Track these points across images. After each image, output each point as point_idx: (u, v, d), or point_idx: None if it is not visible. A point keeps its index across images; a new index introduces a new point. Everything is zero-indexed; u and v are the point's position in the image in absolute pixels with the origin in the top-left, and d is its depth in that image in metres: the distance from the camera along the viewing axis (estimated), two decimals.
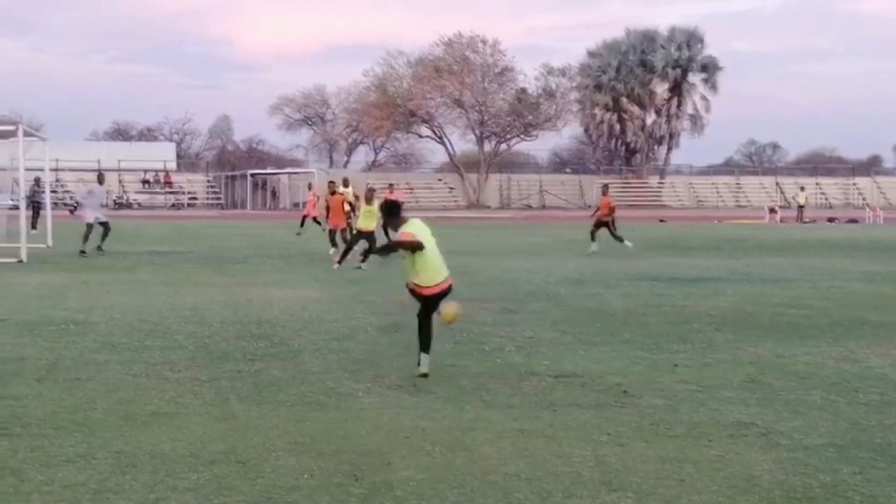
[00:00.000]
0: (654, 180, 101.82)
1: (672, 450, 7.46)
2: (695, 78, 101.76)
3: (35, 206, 38.27)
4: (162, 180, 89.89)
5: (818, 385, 9.88)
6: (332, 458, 7.20)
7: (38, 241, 29.08)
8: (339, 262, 22.87)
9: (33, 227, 35.24)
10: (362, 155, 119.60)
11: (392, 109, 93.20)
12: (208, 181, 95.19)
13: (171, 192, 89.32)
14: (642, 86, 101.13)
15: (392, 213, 10.71)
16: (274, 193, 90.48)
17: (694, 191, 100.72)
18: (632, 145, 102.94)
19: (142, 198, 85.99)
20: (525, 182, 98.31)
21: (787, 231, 48.12)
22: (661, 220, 61.66)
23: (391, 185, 33.29)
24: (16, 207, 28.76)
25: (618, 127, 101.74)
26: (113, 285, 19.01)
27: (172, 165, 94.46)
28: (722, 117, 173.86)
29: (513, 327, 13.65)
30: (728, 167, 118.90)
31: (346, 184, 31.90)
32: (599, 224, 30.38)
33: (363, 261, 22.52)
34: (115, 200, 79.31)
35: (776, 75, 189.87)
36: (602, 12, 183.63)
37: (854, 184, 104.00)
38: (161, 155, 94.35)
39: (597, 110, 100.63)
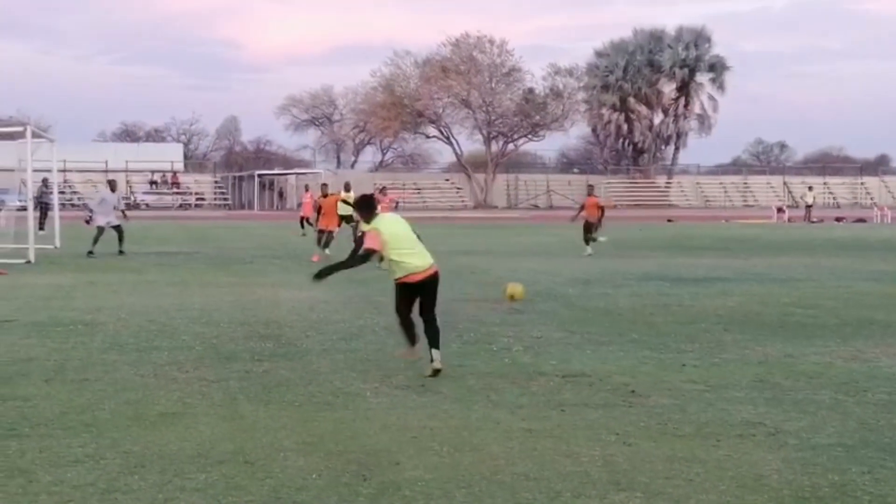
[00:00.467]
0: (661, 180, 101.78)
1: (680, 449, 7.45)
2: (702, 77, 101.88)
3: (43, 207, 38.34)
4: (169, 181, 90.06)
5: (827, 385, 9.86)
6: (341, 457, 7.20)
7: (46, 242, 29.12)
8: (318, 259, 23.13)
9: (41, 228, 35.31)
10: (369, 155, 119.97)
11: (399, 110, 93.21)
12: (216, 182, 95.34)
13: (178, 193, 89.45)
14: (650, 86, 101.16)
15: (363, 207, 10.74)
16: (281, 194, 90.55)
17: (701, 190, 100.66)
18: (639, 145, 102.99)
19: (149, 198, 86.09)
20: (532, 182, 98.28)
21: (795, 231, 48.04)
22: (669, 220, 61.59)
23: (383, 187, 32.87)
24: (24, 208, 28.78)
25: (625, 127, 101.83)
26: (121, 286, 19.04)
27: (180, 166, 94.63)
28: (729, 117, 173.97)
29: (521, 327, 13.65)
30: (736, 167, 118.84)
31: (347, 188, 31.87)
32: (589, 226, 29.72)
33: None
34: (122, 199, 79.34)
35: (784, 75, 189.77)
36: (609, 12, 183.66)
37: (862, 183, 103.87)
38: (169, 156, 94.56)
39: (604, 110, 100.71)
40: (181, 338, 12.61)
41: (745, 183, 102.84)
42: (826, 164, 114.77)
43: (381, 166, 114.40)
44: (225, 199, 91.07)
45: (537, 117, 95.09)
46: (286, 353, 11.54)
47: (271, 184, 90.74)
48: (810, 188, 69.67)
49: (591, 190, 31.97)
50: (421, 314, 10.47)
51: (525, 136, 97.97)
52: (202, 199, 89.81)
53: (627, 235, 41.19)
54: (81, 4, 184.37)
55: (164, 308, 15.52)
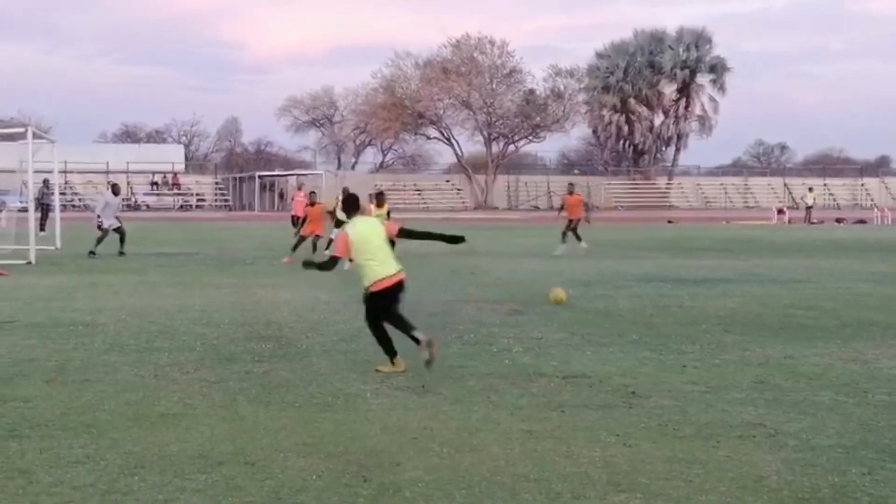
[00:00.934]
0: (662, 181, 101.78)
1: (680, 450, 7.46)
2: (703, 79, 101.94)
3: (44, 208, 38.37)
4: (170, 182, 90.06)
5: (827, 386, 9.87)
6: (341, 458, 7.21)
7: (47, 243, 29.12)
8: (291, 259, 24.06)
9: (42, 229, 35.34)
10: (370, 156, 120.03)
11: (400, 111, 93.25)
12: (216, 183, 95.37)
13: (179, 194, 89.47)
14: (650, 87, 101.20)
15: (347, 206, 11.31)
16: (282, 195, 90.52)
17: (702, 192, 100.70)
18: (640, 146, 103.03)
19: (150, 200, 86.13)
20: (533, 183, 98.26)
21: (796, 232, 48.05)
22: (670, 221, 61.64)
23: (380, 192, 32.34)
24: (25, 209, 28.79)
25: (626, 128, 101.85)
26: (121, 287, 19.05)
27: (181, 167, 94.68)
28: (730, 118, 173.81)
29: (521, 328, 13.65)
30: (736, 168, 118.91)
31: (345, 193, 31.73)
32: (570, 223, 29.93)
33: None
34: (123, 200, 79.41)
35: (784, 76, 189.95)
36: (610, 13, 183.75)
37: (862, 184, 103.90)
38: (169, 157, 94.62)
39: (605, 111, 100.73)
40: (182, 339, 12.62)
41: (746, 184, 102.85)
42: (826, 165, 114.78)
43: (381, 167, 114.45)
44: (226, 201, 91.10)
45: (538, 118, 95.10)
46: (286, 354, 11.54)
47: (272, 185, 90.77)
48: (811, 189, 69.71)
49: (571, 188, 31.99)
50: (385, 320, 10.63)
51: (526, 137, 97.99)
52: (203, 200, 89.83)
53: (628, 236, 41.22)
54: (83, 4, 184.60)
55: (165, 309, 15.53)
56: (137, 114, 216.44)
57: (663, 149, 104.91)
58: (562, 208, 30.73)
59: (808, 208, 63.50)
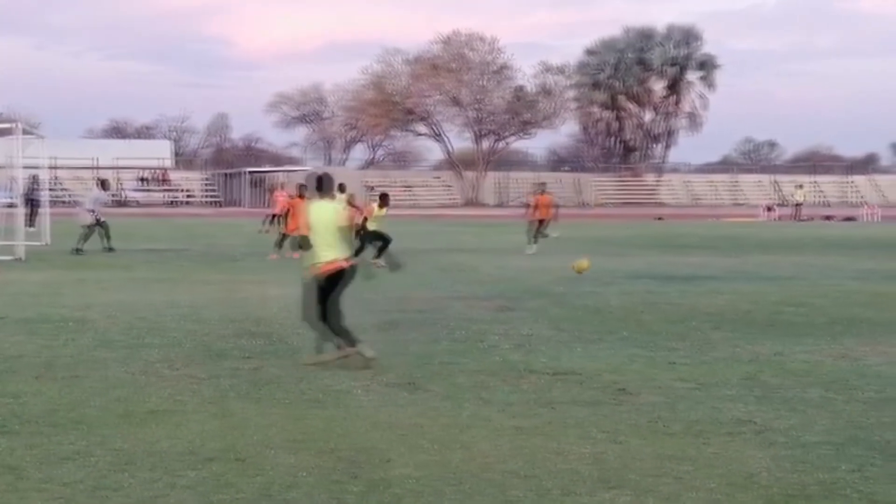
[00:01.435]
0: (651, 178, 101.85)
1: (670, 447, 7.47)
2: (692, 76, 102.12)
3: (32, 203, 38.27)
4: (159, 178, 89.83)
5: (816, 383, 9.89)
6: (330, 455, 7.20)
7: (36, 239, 29.05)
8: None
9: (31, 224, 35.23)
10: (359, 153, 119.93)
11: (389, 107, 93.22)
12: (205, 179, 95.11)
13: (168, 190, 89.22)
14: (640, 84, 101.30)
15: (323, 187, 11.13)
16: (272, 191, 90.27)
17: (691, 188, 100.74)
18: (629, 143, 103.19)
19: (139, 195, 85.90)
20: (522, 180, 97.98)
21: (784, 229, 48.15)
22: (659, 218, 61.66)
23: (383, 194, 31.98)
24: (13, 205, 28.71)
25: (615, 125, 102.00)
26: (110, 283, 19.01)
27: (169, 163, 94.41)
28: (719, 115, 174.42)
29: (510, 325, 13.66)
30: (725, 165, 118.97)
31: (342, 189, 31.76)
32: (540, 222, 29.46)
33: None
34: (112, 196, 79.30)
35: (774, 73, 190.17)
36: (600, 10, 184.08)
37: (851, 182, 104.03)
38: (158, 153, 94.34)
39: (594, 108, 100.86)
40: (171, 335, 12.60)
41: (735, 181, 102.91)
42: (815, 162, 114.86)
43: (371, 164, 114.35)
44: (214, 197, 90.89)
45: (527, 115, 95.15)
46: (276, 351, 11.53)
47: (261, 181, 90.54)
48: (799, 186, 69.76)
49: (542, 188, 31.89)
50: (322, 317, 10.68)
51: (515, 133, 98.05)
52: (191, 196, 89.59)
53: (617, 233, 41.28)
54: (74, 0, 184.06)
55: (154, 305, 15.50)
56: (126, 109, 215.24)
57: (652, 146, 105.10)
58: (535, 207, 30.35)
59: (797, 205, 63.59)
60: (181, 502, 6.23)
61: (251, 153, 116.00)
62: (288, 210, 27.13)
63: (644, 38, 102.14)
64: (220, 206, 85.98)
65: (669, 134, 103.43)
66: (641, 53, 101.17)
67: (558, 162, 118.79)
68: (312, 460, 7.07)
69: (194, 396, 9.12)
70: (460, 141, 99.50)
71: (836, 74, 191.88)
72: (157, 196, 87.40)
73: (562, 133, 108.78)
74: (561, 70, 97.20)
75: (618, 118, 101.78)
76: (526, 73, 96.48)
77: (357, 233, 23.61)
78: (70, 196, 70.37)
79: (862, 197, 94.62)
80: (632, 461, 7.11)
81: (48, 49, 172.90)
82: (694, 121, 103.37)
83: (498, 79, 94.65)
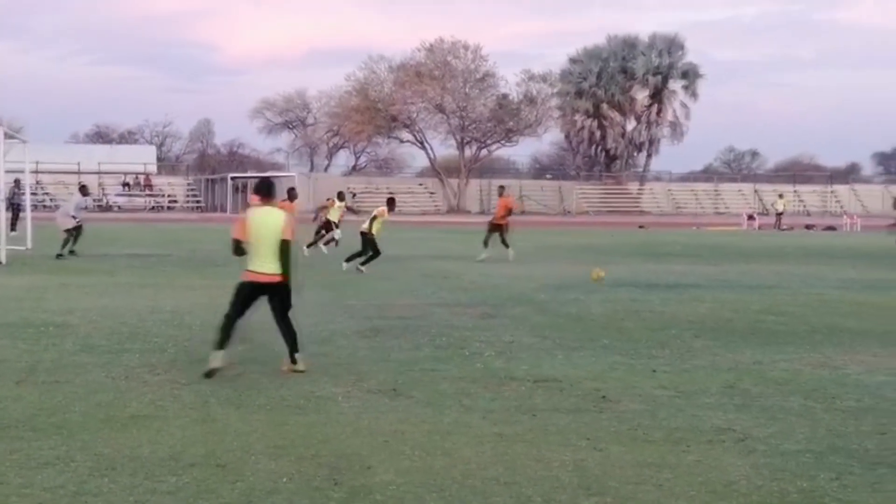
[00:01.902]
0: (633, 186, 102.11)
1: (650, 455, 7.50)
2: (675, 85, 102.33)
3: (15, 208, 38.15)
4: (142, 183, 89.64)
5: (796, 391, 9.93)
6: (312, 461, 7.21)
7: (18, 244, 28.97)
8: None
9: (13, 229, 35.13)
10: (343, 159, 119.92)
11: (373, 114, 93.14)
12: (189, 184, 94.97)
13: (151, 195, 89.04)
14: (623, 92, 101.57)
15: (263, 191, 11.18)
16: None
17: (673, 197, 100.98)
18: (612, 152, 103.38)
19: (122, 200, 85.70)
20: (506, 188, 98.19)
21: (766, 238, 48.31)
22: (641, 227, 61.86)
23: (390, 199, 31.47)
24: None
25: (598, 133, 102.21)
26: (92, 288, 18.96)
27: (153, 168, 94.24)
28: (702, 124, 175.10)
29: (493, 332, 13.67)
30: (707, 174, 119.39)
31: (341, 197, 31.94)
32: (494, 228, 29.01)
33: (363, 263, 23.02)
34: (95, 201, 79.10)
35: (755, 83, 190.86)
36: (583, 19, 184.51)
37: (832, 191, 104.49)
38: (141, 158, 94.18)
39: (577, 116, 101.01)
40: (153, 340, 12.58)
41: (717, 190, 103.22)
42: (797, 172, 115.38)
43: (354, 170, 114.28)
44: (198, 202, 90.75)
45: (511, 123, 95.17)
46: (258, 357, 11.52)
47: (244, 186, 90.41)
48: (781, 196, 70.10)
49: (501, 191, 31.90)
50: (276, 322, 10.92)
51: (498, 141, 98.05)
52: (175, 201, 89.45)
53: (599, 241, 41.34)
54: (58, 4, 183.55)
55: (137, 310, 15.47)
56: (110, 114, 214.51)
57: (635, 154, 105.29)
58: (509, 212, 30.17)
59: (779, 214, 63.85)
60: None
61: (234, 159, 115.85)
62: None
63: (627, 47, 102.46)
64: (203, 211, 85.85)
65: (652, 143, 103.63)
66: (624, 62, 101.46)
67: (541, 170, 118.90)
68: (293, 466, 7.07)
69: (176, 402, 9.11)
70: (444, 148, 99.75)
71: (818, 85, 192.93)
72: (141, 201, 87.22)
73: (545, 141, 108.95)
74: (544, 78, 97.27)
75: (601, 126, 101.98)
76: (509, 82, 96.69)
77: (363, 236, 23.59)
78: (52, 200, 70.22)
79: (843, 207, 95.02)
80: (612, 468, 7.13)
81: (32, 53, 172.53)
82: (676, 130, 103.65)
83: (481, 86, 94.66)
